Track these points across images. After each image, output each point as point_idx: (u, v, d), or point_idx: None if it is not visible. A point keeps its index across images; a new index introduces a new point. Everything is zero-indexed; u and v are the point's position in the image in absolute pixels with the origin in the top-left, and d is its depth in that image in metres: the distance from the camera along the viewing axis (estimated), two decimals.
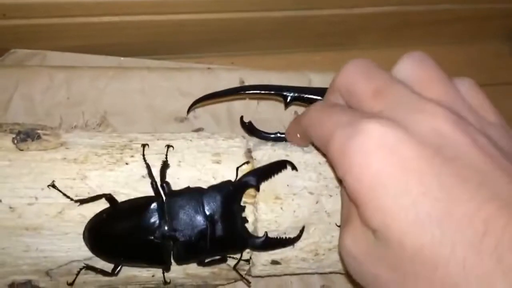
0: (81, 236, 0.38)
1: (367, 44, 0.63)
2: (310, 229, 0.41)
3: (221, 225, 0.38)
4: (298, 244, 0.41)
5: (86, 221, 0.38)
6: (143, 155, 0.40)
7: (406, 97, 0.29)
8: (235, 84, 0.52)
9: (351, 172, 0.28)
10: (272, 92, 0.45)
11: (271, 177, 0.40)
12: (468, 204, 0.24)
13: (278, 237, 0.40)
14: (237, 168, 0.40)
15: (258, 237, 0.40)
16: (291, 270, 0.43)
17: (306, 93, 0.44)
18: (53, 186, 0.38)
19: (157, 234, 0.38)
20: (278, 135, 0.44)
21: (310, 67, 0.58)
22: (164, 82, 0.53)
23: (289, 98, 0.44)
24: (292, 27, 0.57)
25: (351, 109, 0.32)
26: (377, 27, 0.60)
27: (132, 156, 0.40)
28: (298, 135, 0.40)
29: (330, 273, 0.45)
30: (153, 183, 0.39)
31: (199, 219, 0.38)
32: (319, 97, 0.43)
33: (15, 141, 0.39)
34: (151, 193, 0.39)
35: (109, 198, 0.38)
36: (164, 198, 0.39)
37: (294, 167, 0.41)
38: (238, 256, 0.41)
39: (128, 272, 0.41)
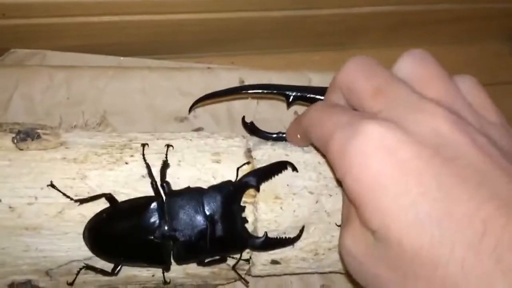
0: (81, 236, 0.38)
1: (366, 44, 0.63)
2: (310, 228, 0.41)
3: (221, 225, 0.38)
4: (298, 244, 0.41)
5: (86, 221, 0.38)
6: (143, 154, 0.40)
7: (406, 97, 0.29)
8: (235, 83, 0.52)
9: (350, 172, 0.28)
10: (275, 91, 0.45)
11: (271, 177, 0.40)
12: (468, 204, 0.24)
13: (278, 237, 0.40)
14: (238, 169, 0.40)
15: (258, 237, 0.40)
16: (291, 270, 0.43)
17: (308, 92, 0.44)
18: (53, 186, 0.38)
19: (157, 234, 0.38)
20: (280, 135, 0.44)
21: (309, 66, 0.58)
22: (164, 81, 0.53)
23: (291, 98, 0.44)
24: (291, 27, 0.57)
25: (351, 110, 0.32)
26: (376, 27, 0.60)
27: (132, 156, 0.40)
28: (299, 136, 0.40)
29: (330, 272, 0.45)
30: (153, 183, 0.39)
31: (199, 219, 0.38)
32: (321, 97, 0.42)
33: (15, 141, 0.39)
34: (151, 192, 0.39)
35: (109, 197, 0.38)
36: (164, 198, 0.39)
37: (294, 168, 0.41)
38: (238, 256, 0.41)
39: (128, 272, 0.41)
